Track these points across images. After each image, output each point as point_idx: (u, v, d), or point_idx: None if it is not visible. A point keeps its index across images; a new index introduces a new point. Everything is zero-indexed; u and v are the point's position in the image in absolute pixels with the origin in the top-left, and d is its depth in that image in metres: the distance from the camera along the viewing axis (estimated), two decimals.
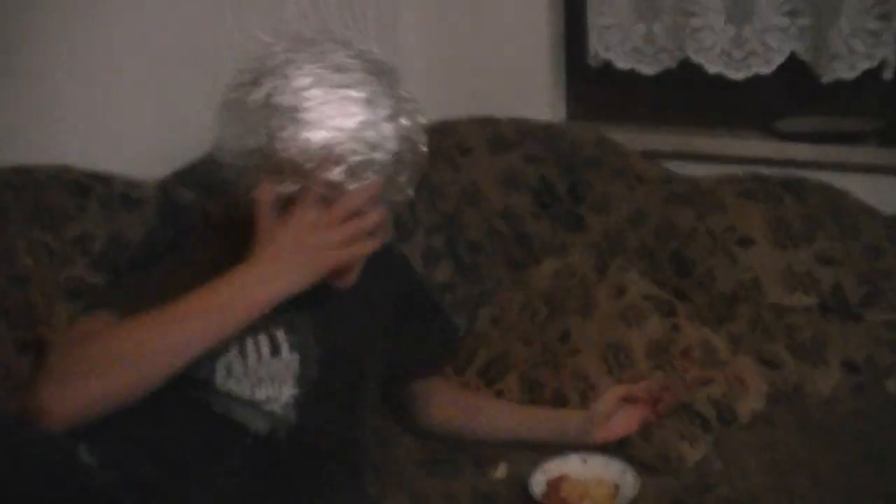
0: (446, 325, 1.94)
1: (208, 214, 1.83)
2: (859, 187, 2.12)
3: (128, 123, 1.94)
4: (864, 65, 2.15)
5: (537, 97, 2.50)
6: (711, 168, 2.25)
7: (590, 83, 2.52)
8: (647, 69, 2.39)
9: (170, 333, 1.39)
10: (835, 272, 2.00)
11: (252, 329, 1.48)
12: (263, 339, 1.52)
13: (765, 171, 2.17)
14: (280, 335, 1.54)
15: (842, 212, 2.07)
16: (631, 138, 2.32)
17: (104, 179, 1.78)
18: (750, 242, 2.05)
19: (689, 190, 2.15)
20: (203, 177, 1.94)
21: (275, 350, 1.53)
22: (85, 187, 1.75)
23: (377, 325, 1.72)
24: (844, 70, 2.16)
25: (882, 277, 1.99)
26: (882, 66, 2.15)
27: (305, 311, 1.55)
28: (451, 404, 1.86)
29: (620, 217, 2.16)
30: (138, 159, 1.90)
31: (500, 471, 1.75)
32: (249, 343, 1.51)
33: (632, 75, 2.41)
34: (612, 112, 2.51)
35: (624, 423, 1.74)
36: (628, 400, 1.75)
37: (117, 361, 1.37)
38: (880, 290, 1.99)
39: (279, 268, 1.44)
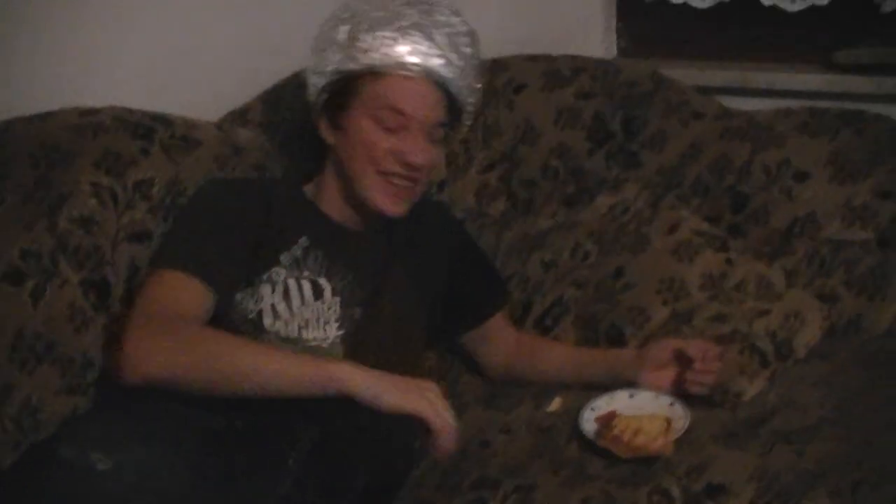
0: (494, 276, 1.98)
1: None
2: None
3: (185, 66, 1.97)
4: None
5: (590, 33, 2.48)
6: (767, 102, 2.23)
7: (643, 18, 2.49)
8: (701, 2, 2.37)
9: (258, 374, 1.43)
10: (893, 205, 1.98)
11: (294, 275, 1.59)
12: (306, 284, 1.61)
13: (822, 104, 2.14)
14: (322, 281, 1.63)
15: None
16: (685, 74, 2.30)
17: (165, 121, 1.81)
18: (806, 177, 2.03)
19: (745, 124, 2.13)
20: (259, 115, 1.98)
21: (318, 294, 1.62)
22: (147, 129, 1.77)
23: (419, 271, 1.77)
24: None
25: None
26: None
27: (343, 257, 1.64)
28: (512, 351, 1.91)
29: (675, 153, 2.15)
30: (194, 101, 1.93)
31: (555, 404, 1.77)
32: (292, 286, 1.60)
33: (685, 9, 2.39)
34: (665, 47, 2.49)
35: (666, 379, 1.74)
36: (680, 356, 1.73)
37: (206, 361, 1.43)
38: None
39: (383, 386, 1.43)
